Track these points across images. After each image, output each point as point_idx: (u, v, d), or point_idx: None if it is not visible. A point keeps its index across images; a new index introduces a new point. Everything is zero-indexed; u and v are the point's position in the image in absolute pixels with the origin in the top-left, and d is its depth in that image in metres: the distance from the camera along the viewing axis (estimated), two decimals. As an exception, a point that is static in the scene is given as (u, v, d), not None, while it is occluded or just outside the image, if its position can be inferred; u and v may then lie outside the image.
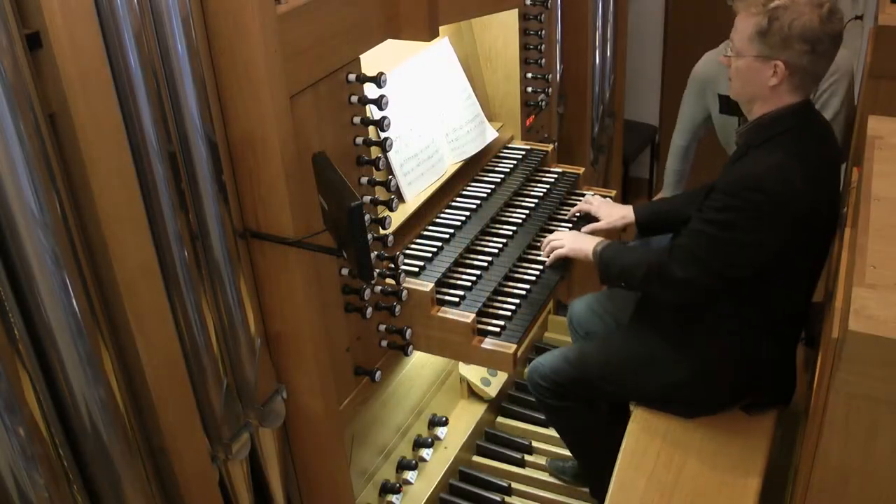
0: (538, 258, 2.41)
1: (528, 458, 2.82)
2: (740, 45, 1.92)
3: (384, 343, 2.18)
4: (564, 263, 2.37)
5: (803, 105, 1.95)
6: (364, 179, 2.00)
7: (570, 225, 2.57)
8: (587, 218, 2.56)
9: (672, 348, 2.17)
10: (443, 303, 2.16)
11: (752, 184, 1.87)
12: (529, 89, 2.88)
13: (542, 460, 2.82)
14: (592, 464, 2.54)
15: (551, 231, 2.52)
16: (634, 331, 2.30)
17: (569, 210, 2.63)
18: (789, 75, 1.88)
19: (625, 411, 2.41)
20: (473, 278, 2.25)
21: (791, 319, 2.16)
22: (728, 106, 2.72)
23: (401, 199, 2.29)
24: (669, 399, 2.22)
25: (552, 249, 2.34)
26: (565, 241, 2.32)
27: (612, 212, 2.50)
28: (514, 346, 2.08)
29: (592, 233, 2.45)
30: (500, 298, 2.24)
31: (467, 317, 2.10)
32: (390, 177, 2.25)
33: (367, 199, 1.99)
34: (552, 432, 2.79)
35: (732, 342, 2.10)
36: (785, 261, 1.95)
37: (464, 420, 2.86)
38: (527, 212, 2.58)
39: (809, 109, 1.98)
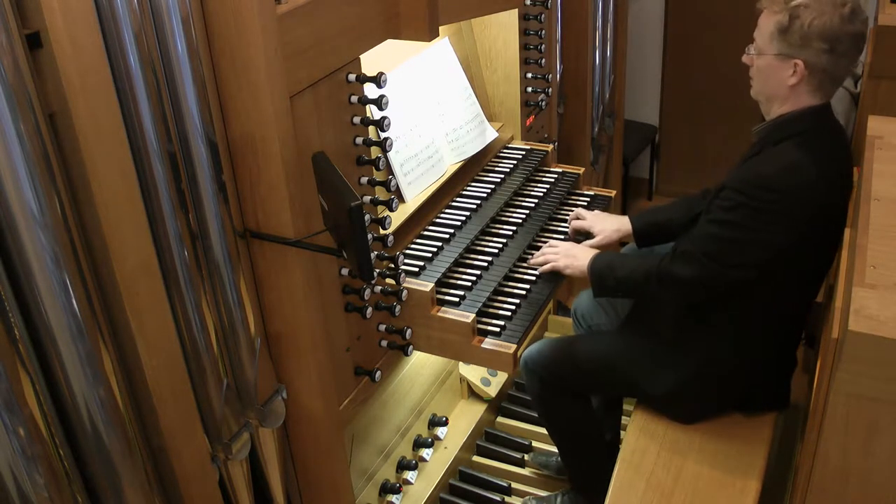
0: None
1: (528, 458, 2.82)
2: (762, 43, 1.93)
3: (384, 343, 2.18)
4: (558, 276, 2.34)
5: (823, 108, 1.94)
6: (364, 179, 2.00)
7: (562, 236, 2.52)
8: (583, 234, 2.50)
9: (667, 350, 2.16)
10: (443, 303, 2.16)
11: (764, 182, 1.87)
12: (529, 89, 2.88)
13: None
14: (579, 460, 2.49)
15: (552, 231, 2.52)
16: (630, 330, 2.29)
17: (569, 210, 2.62)
18: (808, 75, 1.87)
19: (618, 404, 2.39)
20: (473, 278, 2.25)
21: (790, 323, 2.15)
22: None
23: (401, 199, 2.29)
24: (662, 400, 2.21)
25: (546, 261, 2.30)
26: (560, 255, 2.28)
27: (606, 225, 2.43)
28: (514, 346, 2.08)
29: None
30: (500, 298, 2.24)
31: (467, 317, 2.10)
32: (390, 177, 2.25)
33: (367, 199, 1.98)
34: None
35: (728, 345, 2.09)
36: (791, 262, 1.94)
37: (464, 420, 2.86)
38: (527, 212, 2.57)
39: (829, 113, 1.97)
